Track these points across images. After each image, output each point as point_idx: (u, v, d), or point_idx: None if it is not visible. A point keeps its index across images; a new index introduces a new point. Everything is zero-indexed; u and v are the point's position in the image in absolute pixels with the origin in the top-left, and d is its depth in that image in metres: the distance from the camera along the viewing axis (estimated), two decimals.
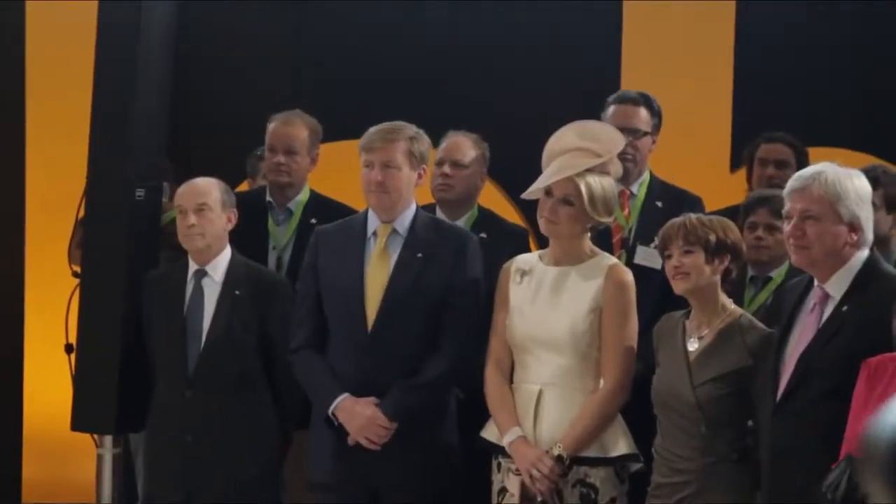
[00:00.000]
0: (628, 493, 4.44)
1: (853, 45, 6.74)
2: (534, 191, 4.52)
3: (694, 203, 5.30)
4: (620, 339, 4.42)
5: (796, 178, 4.03)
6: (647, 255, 5.31)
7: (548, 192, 4.46)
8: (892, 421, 1.05)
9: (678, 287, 4.32)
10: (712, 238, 4.28)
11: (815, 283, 4.02)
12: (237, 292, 5.05)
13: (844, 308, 3.92)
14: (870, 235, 4.00)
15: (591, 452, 4.39)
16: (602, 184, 4.44)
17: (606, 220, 4.49)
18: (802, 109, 6.64)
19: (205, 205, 5.03)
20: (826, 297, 3.98)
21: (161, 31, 5.50)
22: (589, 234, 4.52)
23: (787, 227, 4.02)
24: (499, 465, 4.53)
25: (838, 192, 3.93)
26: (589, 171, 4.43)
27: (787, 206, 4.02)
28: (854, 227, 3.95)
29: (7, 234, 7.02)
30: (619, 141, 4.55)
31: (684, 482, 4.25)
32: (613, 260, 4.55)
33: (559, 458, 4.35)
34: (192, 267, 5.11)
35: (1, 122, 7.08)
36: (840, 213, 3.93)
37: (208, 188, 5.07)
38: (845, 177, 3.97)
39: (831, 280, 3.97)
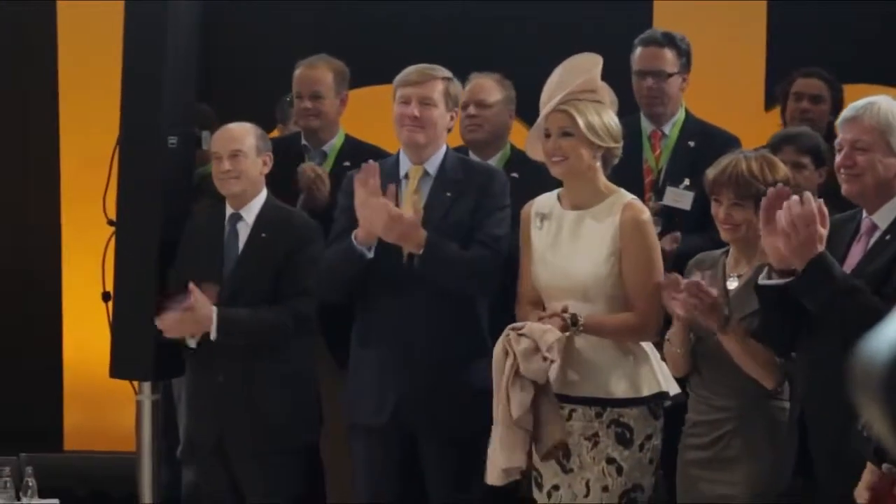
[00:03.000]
0: (662, 429, 4.43)
1: None
2: (534, 143, 4.48)
3: (730, 143, 5.23)
4: (645, 278, 4.37)
5: (849, 109, 4.00)
6: (675, 196, 5.27)
7: (547, 135, 4.40)
8: (886, 341, 1.03)
9: (726, 236, 4.32)
10: (763, 189, 4.23)
11: (864, 214, 4.00)
12: (263, 235, 5.08)
13: (888, 237, 3.92)
14: None
15: (623, 393, 4.36)
16: (597, 110, 4.38)
17: (613, 145, 4.40)
18: (837, 46, 6.58)
19: (239, 151, 5.05)
20: (874, 227, 3.97)
21: None
22: (600, 166, 4.42)
23: (838, 158, 4.00)
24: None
25: (890, 123, 3.91)
26: (581, 100, 4.36)
27: (839, 136, 4.00)
28: None
29: (43, 183, 7.06)
30: (591, 64, 4.43)
31: (721, 419, 4.26)
32: (628, 198, 4.45)
33: (573, 316, 4.32)
34: (229, 211, 5.15)
35: (34, 75, 7.11)
36: (891, 145, 3.92)
37: (242, 134, 5.10)
38: None
39: (879, 211, 3.96)
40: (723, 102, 6.25)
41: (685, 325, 4.25)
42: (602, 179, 4.44)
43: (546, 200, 4.55)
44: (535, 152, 4.49)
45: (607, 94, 4.48)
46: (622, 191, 4.47)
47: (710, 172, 4.35)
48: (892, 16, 6.67)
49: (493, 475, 4.33)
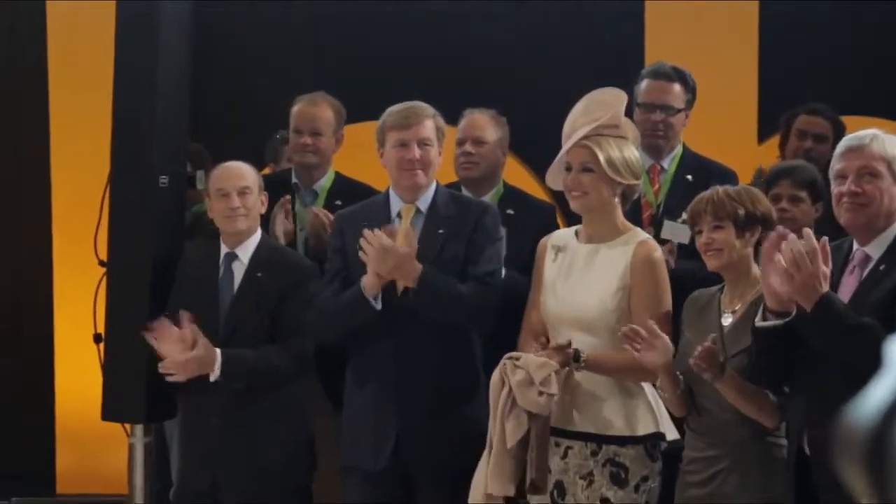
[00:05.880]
0: (661, 472, 4.39)
1: (880, 11, 6.66)
2: (555, 174, 4.47)
3: (725, 176, 5.21)
4: (653, 315, 4.34)
5: (852, 138, 4.01)
6: (673, 230, 5.24)
7: (568, 168, 4.41)
8: (871, 406, 1.00)
9: (711, 263, 4.28)
10: (741, 211, 4.22)
11: (855, 245, 3.99)
12: (259, 274, 5.06)
13: (882, 267, 3.92)
14: None
15: (619, 430, 4.33)
16: (619, 146, 4.37)
17: (633, 182, 4.41)
18: (829, 79, 6.57)
19: (247, 188, 5.06)
20: (867, 259, 3.96)
21: (180, 19, 5.48)
22: (619, 204, 4.43)
23: (836, 186, 3.98)
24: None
25: (894, 154, 3.93)
26: (604, 136, 4.36)
27: (841, 164, 3.98)
28: None
29: (35, 224, 7.03)
30: (618, 100, 4.44)
31: (717, 456, 4.21)
32: (643, 236, 4.48)
33: (576, 351, 4.29)
34: (224, 250, 5.12)
35: (26, 116, 7.10)
36: (895, 175, 3.92)
37: (247, 171, 5.12)
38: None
39: (872, 243, 3.95)
40: (716, 135, 6.24)
41: (667, 370, 4.22)
42: (619, 216, 4.45)
43: (563, 234, 4.58)
44: (556, 183, 4.50)
45: (631, 129, 4.48)
46: (638, 229, 4.49)
47: (690, 206, 4.35)
48: (887, 47, 6.67)
49: (477, 496, 4.31)
